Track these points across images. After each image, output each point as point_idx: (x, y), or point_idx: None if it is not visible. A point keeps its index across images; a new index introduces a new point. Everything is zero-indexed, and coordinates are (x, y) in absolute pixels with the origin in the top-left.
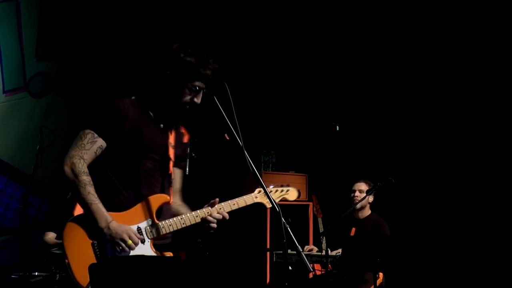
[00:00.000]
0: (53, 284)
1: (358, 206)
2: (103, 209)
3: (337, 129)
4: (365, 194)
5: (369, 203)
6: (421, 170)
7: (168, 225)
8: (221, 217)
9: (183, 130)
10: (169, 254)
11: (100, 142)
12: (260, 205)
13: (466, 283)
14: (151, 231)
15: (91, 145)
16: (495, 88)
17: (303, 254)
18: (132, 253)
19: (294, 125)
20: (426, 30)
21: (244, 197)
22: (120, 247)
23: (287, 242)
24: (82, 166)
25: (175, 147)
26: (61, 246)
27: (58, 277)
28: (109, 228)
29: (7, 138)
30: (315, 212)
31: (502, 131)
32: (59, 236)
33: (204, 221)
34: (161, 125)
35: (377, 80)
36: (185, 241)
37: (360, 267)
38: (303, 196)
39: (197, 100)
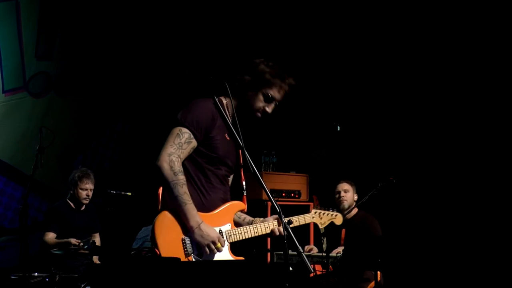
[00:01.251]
0: (52, 285)
1: (346, 206)
2: (195, 210)
3: (338, 129)
4: (350, 193)
5: (354, 201)
6: (422, 170)
7: (244, 232)
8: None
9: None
10: (242, 258)
11: (195, 143)
12: (274, 209)
13: (465, 282)
14: (230, 236)
15: (188, 145)
16: (495, 88)
17: (303, 255)
18: (217, 253)
19: (295, 125)
20: (426, 30)
21: (305, 215)
22: (208, 249)
23: (287, 243)
24: (179, 165)
25: (242, 155)
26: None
27: (57, 277)
28: (200, 229)
29: (6, 138)
30: None
31: (501, 131)
32: (60, 236)
33: (270, 233)
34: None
35: (378, 80)
36: None
37: (361, 266)
38: (304, 196)
39: (269, 109)
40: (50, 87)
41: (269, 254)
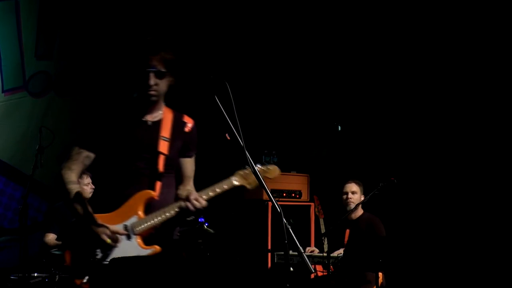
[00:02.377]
0: (52, 285)
1: (353, 208)
2: (90, 213)
3: (339, 129)
4: (357, 195)
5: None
6: (423, 170)
7: (154, 219)
8: (199, 205)
9: (185, 119)
10: (155, 247)
11: (86, 153)
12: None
13: (466, 283)
14: (136, 227)
15: (78, 156)
16: (495, 88)
17: (304, 255)
18: (119, 249)
19: (295, 125)
20: (426, 30)
21: (224, 181)
22: (103, 246)
23: (288, 243)
24: (69, 176)
25: (171, 140)
26: (61, 247)
27: (57, 278)
28: (92, 229)
29: (6, 138)
30: (317, 213)
31: (502, 131)
32: (60, 237)
33: (184, 210)
34: (148, 122)
35: (379, 80)
36: (185, 242)
37: (362, 267)
38: (305, 196)
39: (151, 81)
40: (50, 87)
41: (269, 254)
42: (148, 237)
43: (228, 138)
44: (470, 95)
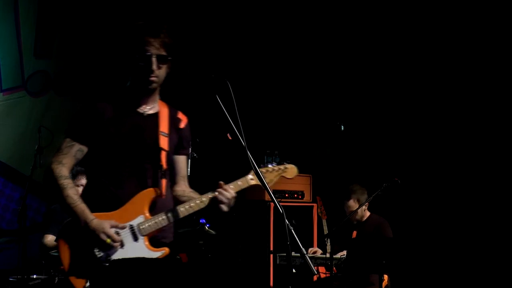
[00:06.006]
0: (51, 287)
1: (359, 217)
2: (85, 210)
3: (342, 129)
4: (354, 206)
5: (365, 206)
6: (427, 170)
7: (161, 219)
8: (230, 195)
9: (179, 115)
10: (165, 249)
11: (78, 146)
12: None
13: (470, 285)
14: (144, 228)
15: (69, 149)
16: (497, 89)
17: (307, 257)
18: (125, 250)
19: (298, 125)
20: (428, 30)
21: (240, 180)
22: (102, 246)
23: (290, 244)
24: (60, 171)
25: (169, 135)
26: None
27: (57, 280)
28: (88, 227)
29: (5, 138)
30: (320, 214)
31: (505, 132)
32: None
33: (215, 202)
34: (144, 113)
35: (382, 79)
36: (186, 243)
37: (365, 269)
38: (307, 197)
39: (154, 66)
40: (49, 86)
41: (271, 255)
42: (153, 238)
43: (230, 138)
44: (473, 96)
